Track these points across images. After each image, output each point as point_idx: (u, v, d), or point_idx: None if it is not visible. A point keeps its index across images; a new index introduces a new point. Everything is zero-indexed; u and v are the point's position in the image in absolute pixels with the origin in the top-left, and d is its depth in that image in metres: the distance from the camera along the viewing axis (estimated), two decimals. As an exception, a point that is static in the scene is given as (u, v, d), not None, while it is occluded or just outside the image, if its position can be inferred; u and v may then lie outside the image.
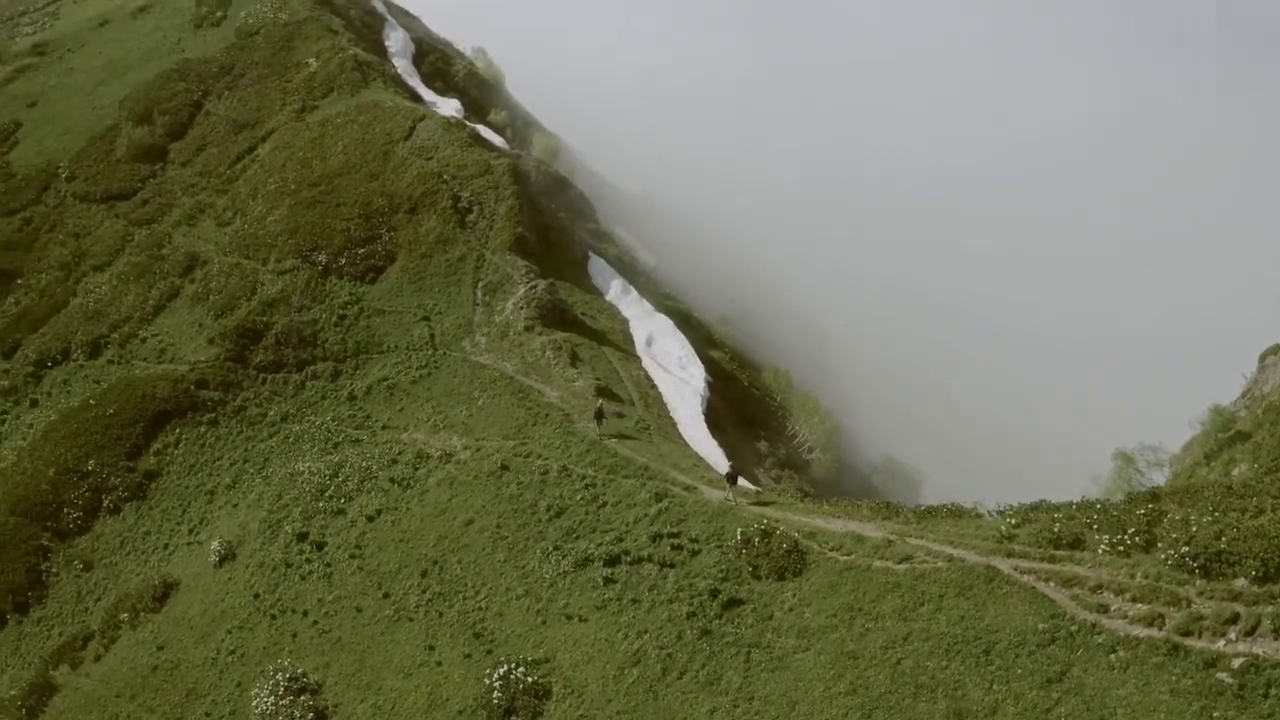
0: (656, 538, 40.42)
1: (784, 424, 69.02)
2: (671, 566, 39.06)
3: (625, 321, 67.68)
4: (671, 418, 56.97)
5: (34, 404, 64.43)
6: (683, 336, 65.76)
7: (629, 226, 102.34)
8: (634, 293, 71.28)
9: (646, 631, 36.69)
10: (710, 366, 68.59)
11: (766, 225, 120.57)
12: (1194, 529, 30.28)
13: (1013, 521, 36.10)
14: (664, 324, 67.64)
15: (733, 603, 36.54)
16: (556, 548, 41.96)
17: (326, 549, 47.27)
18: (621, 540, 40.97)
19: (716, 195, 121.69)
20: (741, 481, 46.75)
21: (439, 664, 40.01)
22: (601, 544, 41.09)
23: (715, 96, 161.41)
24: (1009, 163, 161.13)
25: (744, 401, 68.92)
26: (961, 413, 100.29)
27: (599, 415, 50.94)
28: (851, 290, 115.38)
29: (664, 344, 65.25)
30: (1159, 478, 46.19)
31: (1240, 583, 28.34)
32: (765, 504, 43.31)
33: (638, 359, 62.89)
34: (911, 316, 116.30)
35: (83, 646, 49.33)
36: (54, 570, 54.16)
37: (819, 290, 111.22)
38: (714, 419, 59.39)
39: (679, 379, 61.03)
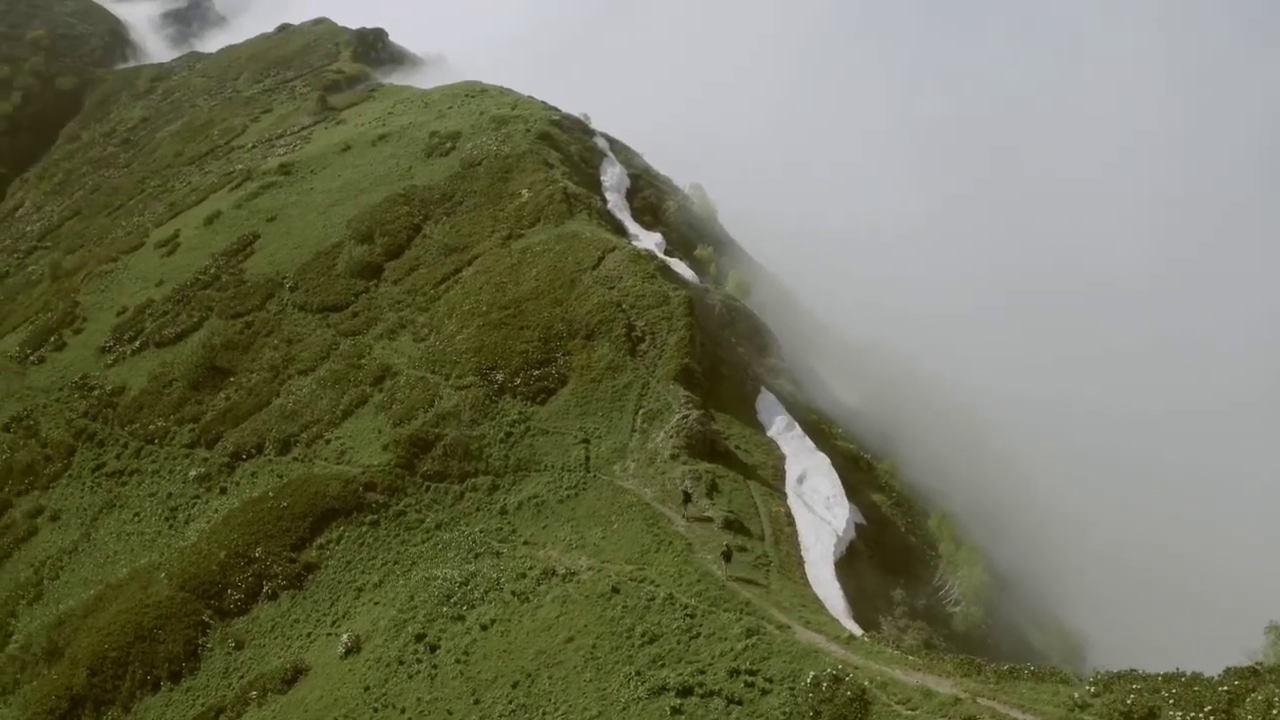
0: (734, 673, 40.80)
1: (935, 574, 67.37)
2: (739, 704, 39.32)
3: (782, 458, 67.88)
4: (801, 556, 56.79)
5: (223, 491, 70.00)
6: (835, 476, 65.30)
7: (829, 363, 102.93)
8: (797, 429, 71.32)
9: (693, 766, 37.04)
10: (868, 510, 67.96)
11: (970, 365, 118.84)
12: (1274, 712, 28.76)
13: (1091, 690, 34.90)
14: (820, 462, 67.28)
15: (783, 747, 36.56)
16: (639, 673, 42.71)
17: (438, 651, 49.39)
18: (702, 673, 41.44)
19: (918, 332, 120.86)
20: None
21: (502, 773, 41.34)
22: (681, 674, 41.62)
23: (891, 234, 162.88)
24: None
25: (896, 548, 67.75)
26: (1151, 570, 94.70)
27: (727, 555, 50.44)
28: (1040, 427, 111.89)
29: (815, 482, 64.89)
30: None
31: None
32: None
33: (783, 495, 62.91)
34: (1106, 449, 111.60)
35: (215, 718, 52.95)
36: (209, 645, 58.19)
37: (1013, 432, 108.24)
38: (854, 563, 58.77)
39: (820, 518, 60.60)
